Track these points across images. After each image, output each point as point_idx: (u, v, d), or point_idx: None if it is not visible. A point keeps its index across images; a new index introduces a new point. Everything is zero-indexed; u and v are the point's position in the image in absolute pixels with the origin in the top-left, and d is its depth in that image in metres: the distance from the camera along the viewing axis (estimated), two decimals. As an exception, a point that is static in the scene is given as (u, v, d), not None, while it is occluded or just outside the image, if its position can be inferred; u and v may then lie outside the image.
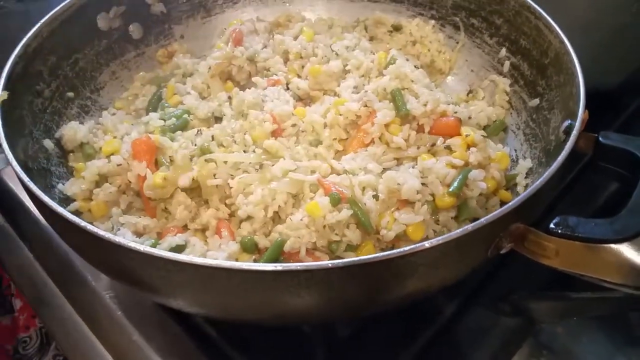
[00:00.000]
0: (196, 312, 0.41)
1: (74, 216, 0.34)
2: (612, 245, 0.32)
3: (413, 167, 0.44)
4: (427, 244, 0.28)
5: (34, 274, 0.53)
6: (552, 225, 0.33)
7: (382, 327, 0.46)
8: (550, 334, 0.46)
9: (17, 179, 0.40)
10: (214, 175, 0.43)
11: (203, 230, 0.44)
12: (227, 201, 0.44)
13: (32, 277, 0.53)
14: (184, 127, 0.49)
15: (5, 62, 0.48)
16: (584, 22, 0.45)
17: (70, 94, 0.53)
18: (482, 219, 0.29)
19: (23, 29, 0.53)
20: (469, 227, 0.28)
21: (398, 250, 0.28)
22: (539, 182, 0.31)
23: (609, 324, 0.46)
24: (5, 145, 0.39)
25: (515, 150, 0.50)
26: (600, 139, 0.37)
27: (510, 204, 0.30)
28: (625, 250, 0.32)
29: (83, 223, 0.32)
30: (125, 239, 0.32)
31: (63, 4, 0.51)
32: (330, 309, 0.34)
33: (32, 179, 0.37)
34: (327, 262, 0.28)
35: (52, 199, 0.36)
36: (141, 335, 0.45)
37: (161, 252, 0.29)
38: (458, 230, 0.29)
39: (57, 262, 0.51)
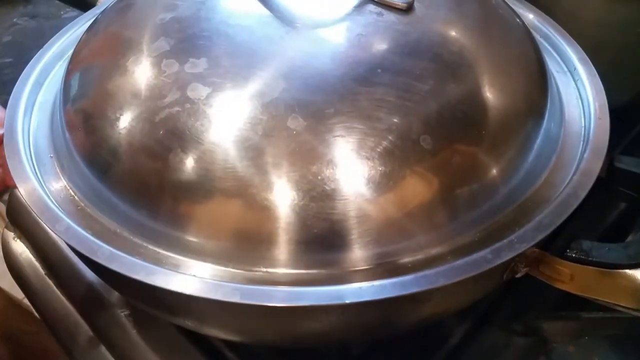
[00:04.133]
0: (209, 334, 0.41)
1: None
2: (627, 271, 0.31)
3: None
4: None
5: (48, 292, 0.51)
6: (567, 251, 0.32)
7: (395, 346, 0.45)
8: (562, 353, 0.44)
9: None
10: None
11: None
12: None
13: (47, 295, 0.51)
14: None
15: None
16: (593, 43, 0.44)
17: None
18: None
19: (35, 46, 0.53)
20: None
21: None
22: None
23: (621, 344, 0.45)
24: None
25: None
26: (615, 162, 0.36)
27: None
28: (640, 275, 0.31)
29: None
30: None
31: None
32: (345, 334, 0.34)
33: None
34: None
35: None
36: (156, 354, 0.43)
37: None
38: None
39: (72, 279, 0.49)
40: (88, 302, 0.47)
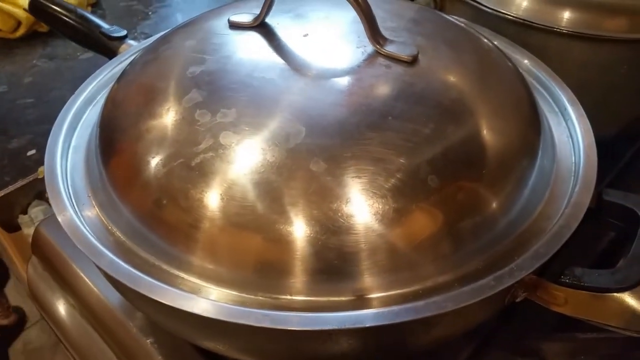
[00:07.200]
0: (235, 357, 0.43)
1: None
2: (615, 294, 0.35)
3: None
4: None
5: (74, 321, 0.54)
6: (561, 277, 0.36)
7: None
8: (560, 373, 0.48)
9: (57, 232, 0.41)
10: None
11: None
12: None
13: (72, 324, 0.54)
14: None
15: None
16: (579, 82, 0.48)
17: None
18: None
19: (55, 86, 0.57)
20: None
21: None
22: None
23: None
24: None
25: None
26: (603, 195, 0.40)
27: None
28: (627, 298, 0.35)
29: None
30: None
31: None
32: (359, 356, 0.36)
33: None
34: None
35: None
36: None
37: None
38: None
39: (97, 308, 0.52)
40: (113, 331, 0.50)
